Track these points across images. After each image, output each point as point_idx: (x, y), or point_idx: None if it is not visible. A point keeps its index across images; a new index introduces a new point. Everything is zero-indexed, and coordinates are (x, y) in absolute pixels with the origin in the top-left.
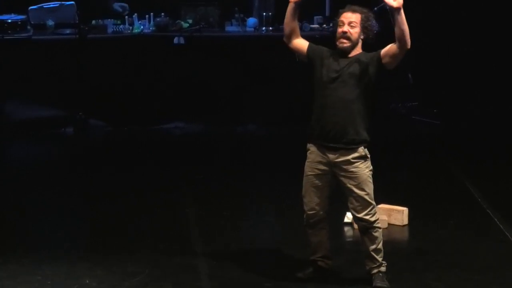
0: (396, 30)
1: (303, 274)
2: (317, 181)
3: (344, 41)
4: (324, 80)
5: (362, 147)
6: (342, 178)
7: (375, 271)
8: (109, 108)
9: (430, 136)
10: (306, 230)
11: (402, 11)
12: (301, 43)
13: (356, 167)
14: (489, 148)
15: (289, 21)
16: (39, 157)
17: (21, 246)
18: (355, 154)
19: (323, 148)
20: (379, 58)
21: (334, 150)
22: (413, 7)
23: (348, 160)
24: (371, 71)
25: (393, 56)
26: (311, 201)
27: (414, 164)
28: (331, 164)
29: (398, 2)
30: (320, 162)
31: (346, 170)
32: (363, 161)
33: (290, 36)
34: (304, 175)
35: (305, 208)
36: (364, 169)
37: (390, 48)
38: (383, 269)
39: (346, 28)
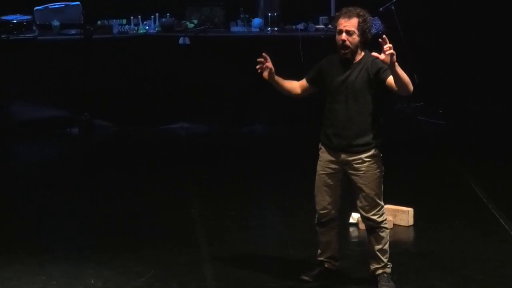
0: (395, 81)
1: (308, 277)
2: (329, 180)
3: (345, 51)
4: (331, 90)
5: (375, 148)
6: (353, 177)
7: (379, 271)
8: (114, 109)
9: (436, 137)
10: (317, 229)
11: (396, 65)
12: (303, 86)
13: (368, 166)
14: (495, 148)
15: (283, 89)
16: (44, 158)
17: (26, 247)
18: (368, 154)
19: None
20: (383, 81)
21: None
22: (419, 8)
23: (361, 159)
24: (375, 82)
25: (393, 91)
26: (323, 200)
27: (420, 165)
28: (343, 163)
29: (390, 61)
30: (331, 161)
31: (357, 169)
32: (375, 160)
33: (296, 92)
34: (316, 174)
35: (317, 207)
36: (376, 168)
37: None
38: (388, 270)
39: (344, 36)
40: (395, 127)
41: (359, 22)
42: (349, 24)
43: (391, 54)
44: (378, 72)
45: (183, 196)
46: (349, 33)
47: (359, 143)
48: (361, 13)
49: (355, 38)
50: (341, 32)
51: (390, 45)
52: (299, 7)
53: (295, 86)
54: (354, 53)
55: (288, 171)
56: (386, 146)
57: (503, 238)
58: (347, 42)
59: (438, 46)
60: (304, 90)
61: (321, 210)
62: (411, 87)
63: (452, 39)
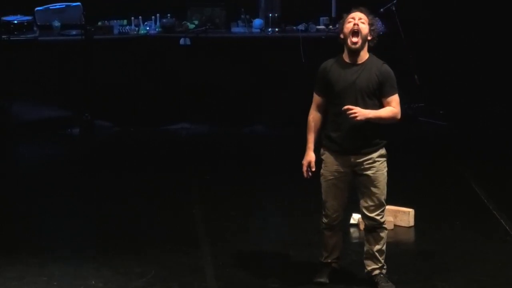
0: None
1: (323, 279)
2: (338, 184)
3: (355, 39)
4: (337, 92)
5: (383, 148)
6: (362, 177)
7: (377, 272)
8: (115, 109)
9: (437, 137)
10: (324, 232)
11: (372, 114)
12: (319, 103)
13: (379, 166)
14: (495, 149)
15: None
16: (45, 158)
17: (27, 247)
18: (378, 153)
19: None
20: (381, 95)
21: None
22: (419, 8)
23: (372, 158)
24: (379, 87)
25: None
26: (334, 205)
27: (421, 165)
28: (353, 165)
29: (358, 119)
30: (339, 165)
31: (368, 169)
32: (384, 160)
33: (321, 118)
34: (323, 179)
35: (328, 212)
36: (383, 168)
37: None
38: (384, 271)
39: (357, 21)
40: (396, 127)
41: (369, 18)
42: (361, 15)
43: (355, 116)
44: (384, 85)
45: (183, 196)
46: (361, 21)
47: (371, 144)
48: (371, 14)
49: (366, 28)
50: (353, 19)
51: (348, 109)
52: (299, 8)
53: (317, 117)
54: (362, 46)
55: (289, 172)
56: (387, 147)
57: (503, 238)
58: (360, 26)
59: (438, 46)
60: (324, 106)
61: (332, 214)
62: (396, 119)
63: (452, 39)
